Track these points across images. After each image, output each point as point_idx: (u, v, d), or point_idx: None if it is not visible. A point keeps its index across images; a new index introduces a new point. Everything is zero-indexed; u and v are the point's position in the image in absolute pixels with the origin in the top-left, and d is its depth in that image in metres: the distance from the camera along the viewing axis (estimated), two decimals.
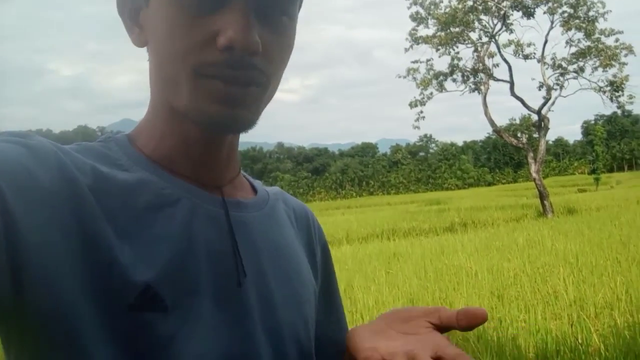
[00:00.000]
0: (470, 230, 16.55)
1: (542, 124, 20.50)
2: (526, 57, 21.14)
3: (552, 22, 20.85)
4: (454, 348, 0.58)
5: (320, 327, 0.84)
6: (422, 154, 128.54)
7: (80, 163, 0.61)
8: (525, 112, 27.38)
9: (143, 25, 0.67)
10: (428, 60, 22.05)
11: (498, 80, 21.37)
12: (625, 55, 20.36)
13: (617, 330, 4.87)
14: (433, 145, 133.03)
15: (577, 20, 20.31)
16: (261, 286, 0.70)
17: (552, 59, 21.35)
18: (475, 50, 21.34)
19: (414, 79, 22.18)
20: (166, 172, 0.69)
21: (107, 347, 0.56)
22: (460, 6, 20.15)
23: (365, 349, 0.62)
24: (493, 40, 20.95)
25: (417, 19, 21.31)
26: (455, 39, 20.93)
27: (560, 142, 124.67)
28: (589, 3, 20.07)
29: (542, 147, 20.32)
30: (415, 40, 21.52)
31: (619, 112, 22.95)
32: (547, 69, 21.20)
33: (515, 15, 20.61)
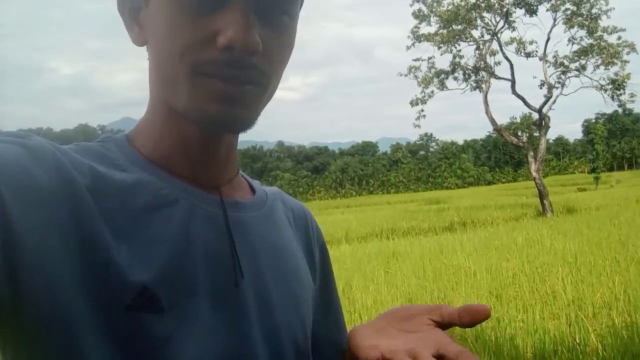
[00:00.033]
0: (469, 230, 16.56)
1: (542, 123, 20.50)
2: (528, 55, 21.14)
3: (554, 20, 20.83)
4: (456, 345, 0.58)
5: (318, 327, 0.84)
6: (422, 152, 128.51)
7: (78, 163, 0.61)
8: (526, 110, 27.32)
9: (143, 24, 0.67)
10: (430, 58, 22.08)
11: (499, 78, 21.37)
12: (628, 53, 20.38)
13: (615, 330, 4.87)
14: (433, 144, 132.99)
15: (580, 18, 20.30)
16: (259, 287, 0.70)
17: (554, 57, 21.37)
18: (477, 48, 21.34)
19: (416, 77, 22.20)
20: (164, 172, 0.68)
21: (104, 348, 0.56)
22: (462, 3, 20.14)
23: (366, 346, 0.62)
24: (495, 38, 20.94)
25: (419, 16, 21.30)
26: (457, 37, 20.93)
27: (560, 141, 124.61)
28: (591, 0, 20.05)
29: (543, 145, 20.31)
30: (417, 38, 21.51)
31: (620, 110, 22.91)
32: (548, 67, 21.21)
33: (518, 13, 20.77)
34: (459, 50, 21.43)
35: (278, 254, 0.76)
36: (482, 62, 21.01)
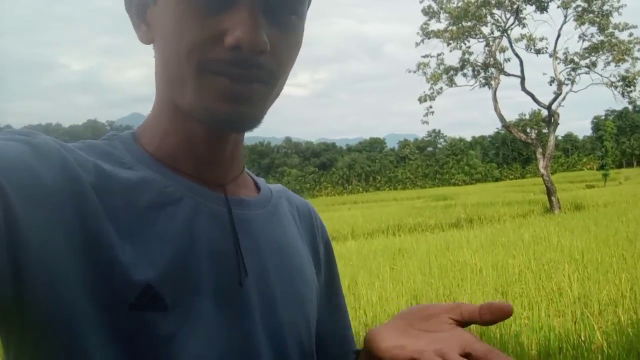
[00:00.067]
0: (476, 226, 16.50)
1: (552, 120, 20.38)
2: (538, 51, 20.98)
3: (565, 16, 20.68)
4: (482, 344, 0.56)
5: (324, 325, 0.84)
6: (430, 149, 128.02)
7: (84, 161, 0.61)
8: (536, 107, 27.19)
9: (150, 23, 0.67)
10: (439, 55, 21.95)
11: (509, 75, 21.23)
12: (639, 50, 20.19)
13: (621, 327, 4.84)
14: (441, 140, 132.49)
15: (591, 15, 20.14)
16: (263, 285, 0.70)
17: (564, 53, 21.22)
18: (487, 45, 21.21)
19: (424, 73, 22.09)
20: (169, 170, 0.69)
21: (108, 346, 0.56)
22: (472, 0, 20.01)
23: (392, 347, 0.60)
24: (505, 34, 20.80)
25: (429, 13, 21.18)
26: (467, 33, 20.80)
27: (569, 138, 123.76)
28: None
29: (551, 142, 20.20)
30: (427, 34, 21.41)
31: (630, 107, 22.73)
32: (558, 63, 21.07)
33: (529, 9, 20.48)
34: (469, 47, 21.32)
35: (282, 252, 0.75)
36: (492, 59, 20.89)
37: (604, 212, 16.11)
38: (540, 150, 19.97)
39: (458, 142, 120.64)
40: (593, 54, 20.64)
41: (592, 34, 20.59)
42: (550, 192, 19.46)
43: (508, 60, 21.47)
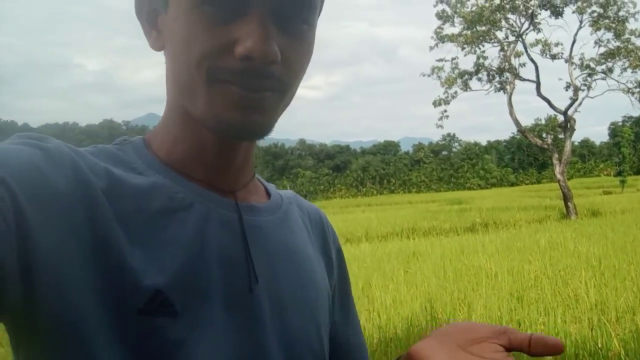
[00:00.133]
0: (491, 231, 16.40)
1: (568, 125, 20.22)
2: (553, 57, 20.87)
3: (581, 22, 20.54)
4: None
5: (337, 332, 0.84)
6: (444, 153, 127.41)
7: (95, 166, 0.62)
8: (551, 112, 26.94)
9: (161, 30, 0.67)
10: (453, 59, 21.90)
11: (524, 80, 21.13)
12: None
13: (639, 335, 4.78)
14: (456, 144, 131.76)
15: (607, 20, 19.99)
16: (273, 292, 0.70)
17: (580, 59, 21.09)
18: (502, 49, 21.12)
19: (439, 77, 22.07)
20: (180, 176, 0.68)
21: (116, 351, 0.56)
22: (487, 4, 19.95)
23: None
24: (520, 39, 20.71)
25: (443, 17, 21.15)
26: (481, 38, 20.74)
27: (586, 144, 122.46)
28: (619, 3, 19.73)
29: (568, 148, 20.05)
30: (441, 38, 21.38)
31: None
32: (574, 69, 20.93)
33: (544, 14, 20.48)
34: (483, 52, 21.26)
35: (293, 259, 0.75)
36: (507, 64, 20.79)
37: (621, 219, 15.93)
38: (556, 155, 19.82)
39: (473, 146, 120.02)
40: (609, 59, 20.49)
41: (608, 39, 20.46)
42: (566, 198, 19.30)
43: (523, 65, 21.39)
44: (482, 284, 7.56)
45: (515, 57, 21.07)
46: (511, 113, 20.80)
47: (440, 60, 22.08)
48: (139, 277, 0.58)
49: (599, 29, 20.23)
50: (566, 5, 20.02)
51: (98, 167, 0.62)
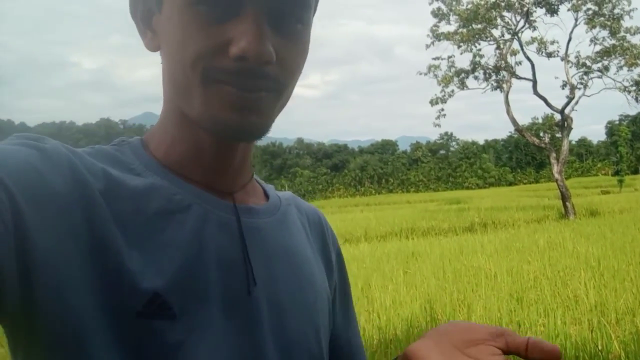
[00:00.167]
0: (490, 231, 16.41)
1: (565, 124, 20.22)
2: (549, 55, 20.88)
3: (576, 20, 20.54)
4: None
5: (340, 334, 0.85)
6: (442, 152, 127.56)
7: (93, 167, 0.61)
8: (548, 111, 26.96)
9: (156, 30, 0.67)
10: (449, 57, 21.90)
11: (520, 78, 21.12)
12: None
13: (639, 337, 4.77)
14: (454, 143, 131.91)
15: (602, 18, 19.98)
16: (272, 294, 0.70)
17: (576, 57, 21.07)
18: (498, 48, 21.13)
19: (435, 76, 22.03)
20: (178, 177, 0.68)
21: (114, 353, 0.56)
22: (482, 2, 19.94)
23: None
24: (516, 37, 20.70)
25: (438, 15, 21.15)
26: (477, 36, 20.74)
27: (583, 143, 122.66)
28: (614, 0, 19.73)
29: (565, 147, 20.04)
30: (437, 36, 21.37)
31: None
32: (570, 67, 20.92)
33: (539, 12, 20.38)
34: (479, 50, 21.26)
35: (292, 261, 0.75)
36: (503, 62, 20.80)
37: (620, 219, 15.94)
38: (554, 154, 19.82)
39: (471, 145, 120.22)
40: (605, 57, 20.49)
41: (603, 37, 20.44)
42: (565, 198, 19.31)
43: (519, 63, 21.36)
44: (481, 284, 7.56)
45: (511, 56, 21.08)
46: (508, 112, 20.79)
47: (437, 58, 22.06)
48: (137, 279, 0.58)
49: (594, 26, 20.22)
50: (561, 3, 20.02)
51: (95, 168, 0.61)
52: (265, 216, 0.75)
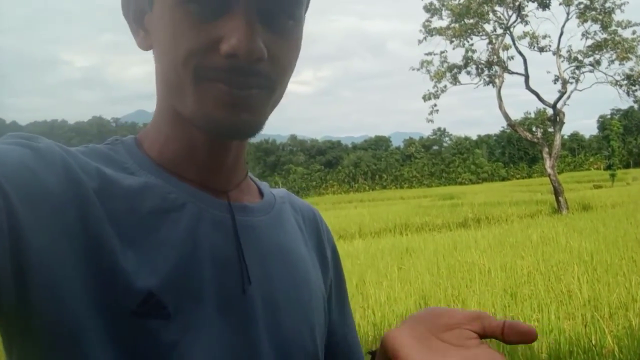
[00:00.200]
0: (483, 226, 16.49)
1: (557, 118, 20.30)
2: (541, 49, 20.94)
3: (568, 14, 20.61)
4: None
5: (336, 330, 0.85)
6: (435, 147, 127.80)
7: (86, 166, 0.61)
8: (541, 105, 27.08)
9: (148, 29, 0.67)
10: (442, 53, 21.91)
11: (513, 73, 21.18)
12: None
13: (632, 331, 4.79)
14: (447, 139, 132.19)
15: (594, 12, 20.05)
16: (266, 292, 0.70)
17: (568, 51, 21.15)
18: (490, 42, 21.17)
19: (428, 71, 22.07)
20: (172, 176, 0.68)
21: (109, 353, 0.56)
22: None
23: None
24: (508, 32, 20.73)
25: (430, 10, 21.15)
26: (469, 31, 20.76)
27: (575, 137, 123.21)
28: None
29: (557, 141, 20.12)
30: (429, 32, 21.38)
31: (636, 106, 22.60)
32: (562, 61, 20.99)
33: (531, 7, 20.48)
34: (472, 45, 21.29)
35: (287, 259, 0.75)
36: (495, 57, 20.84)
37: (612, 213, 16.03)
38: (546, 149, 19.89)
39: (464, 140, 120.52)
40: (597, 52, 20.56)
41: (595, 31, 20.51)
42: (557, 192, 19.39)
43: (512, 58, 21.44)
44: (475, 280, 7.59)
45: (503, 50, 21.13)
46: (501, 107, 20.84)
47: (429, 53, 22.09)
48: (131, 279, 0.57)
49: (585, 20, 20.28)
50: None
51: (89, 167, 0.61)
52: (259, 214, 0.75)
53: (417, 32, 21.75)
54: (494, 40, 21.05)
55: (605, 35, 20.28)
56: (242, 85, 0.60)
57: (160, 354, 0.58)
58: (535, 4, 20.19)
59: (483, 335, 0.60)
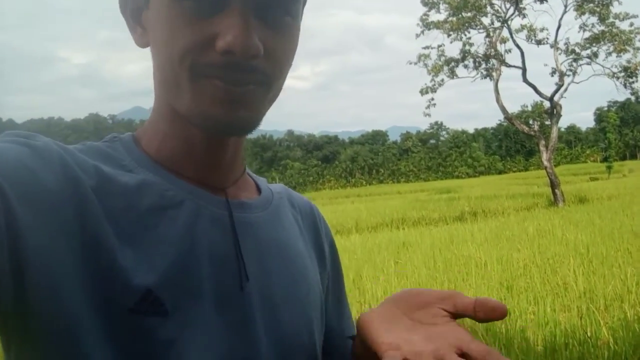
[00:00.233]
0: (480, 220, 16.48)
1: (554, 111, 20.31)
2: (539, 42, 20.93)
3: (565, 6, 20.58)
4: (479, 343, 0.54)
5: (334, 325, 0.85)
6: (432, 141, 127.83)
7: (84, 163, 0.61)
8: (538, 98, 27.08)
9: (145, 26, 0.67)
10: (439, 46, 21.89)
11: (510, 66, 21.16)
12: None
13: (627, 323, 4.81)
14: (444, 132, 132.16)
15: (591, 4, 20.04)
16: (264, 289, 0.70)
17: (566, 44, 21.18)
18: (487, 36, 21.14)
19: (425, 65, 22.06)
20: (170, 173, 0.68)
21: (107, 350, 0.56)
22: None
23: (386, 344, 0.57)
24: (505, 25, 20.71)
25: (428, 3, 21.11)
26: (467, 24, 20.73)
27: (572, 130, 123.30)
28: None
29: (554, 134, 20.14)
30: (427, 25, 21.35)
31: (633, 98, 22.57)
32: (560, 54, 21.01)
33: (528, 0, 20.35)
34: (469, 38, 21.27)
35: (285, 255, 0.75)
36: (493, 50, 20.82)
37: (608, 205, 16.06)
38: (543, 142, 19.91)
39: (461, 134, 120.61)
40: (594, 44, 20.56)
41: (592, 24, 20.50)
42: (554, 185, 19.42)
43: (509, 51, 21.42)
44: (471, 273, 7.60)
45: (501, 43, 21.10)
46: (498, 100, 20.85)
47: (427, 47, 22.05)
48: (129, 276, 0.57)
49: (583, 13, 20.27)
50: None
51: (87, 165, 0.61)
52: (257, 210, 0.75)
53: (415, 26, 21.70)
54: (491, 34, 21.03)
55: (602, 28, 20.27)
56: (238, 82, 0.60)
57: (158, 351, 0.58)
58: None
59: (455, 313, 0.61)
